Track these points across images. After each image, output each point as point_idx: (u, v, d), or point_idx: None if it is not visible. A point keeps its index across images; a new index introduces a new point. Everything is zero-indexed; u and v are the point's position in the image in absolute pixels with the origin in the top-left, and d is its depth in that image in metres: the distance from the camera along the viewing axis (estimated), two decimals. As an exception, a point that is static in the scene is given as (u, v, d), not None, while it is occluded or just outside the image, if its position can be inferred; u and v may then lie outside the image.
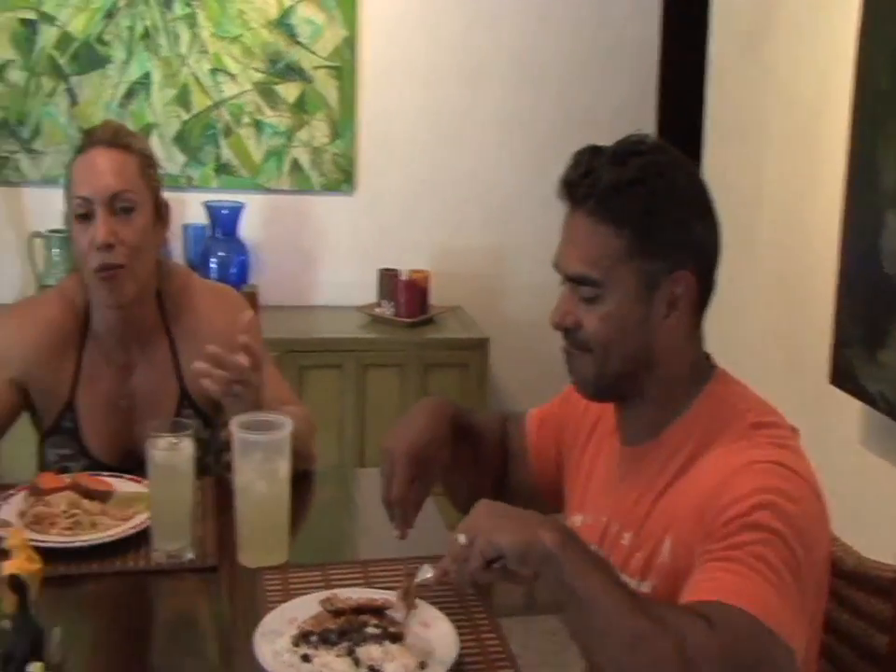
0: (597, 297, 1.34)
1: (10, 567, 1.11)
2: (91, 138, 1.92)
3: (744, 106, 2.92)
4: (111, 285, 1.89)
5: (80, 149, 1.93)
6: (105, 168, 1.88)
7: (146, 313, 1.99)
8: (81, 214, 1.88)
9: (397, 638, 1.38)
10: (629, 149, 1.36)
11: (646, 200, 1.32)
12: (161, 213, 1.97)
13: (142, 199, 1.91)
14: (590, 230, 1.34)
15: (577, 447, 1.55)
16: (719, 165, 2.97)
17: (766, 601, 1.18)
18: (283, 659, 1.34)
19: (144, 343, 2.01)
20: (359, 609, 1.43)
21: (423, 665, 1.34)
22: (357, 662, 1.32)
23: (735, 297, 2.51)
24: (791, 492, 1.26)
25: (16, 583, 1.10)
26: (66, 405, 1.98)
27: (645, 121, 3.42)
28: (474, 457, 1.64)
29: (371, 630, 1.38)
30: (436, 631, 1.43)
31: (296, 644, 1.37)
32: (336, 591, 1.49)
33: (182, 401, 2.00)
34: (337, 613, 1.41)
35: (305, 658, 1.34)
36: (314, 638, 1.37)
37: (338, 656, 1.34)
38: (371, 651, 1.33)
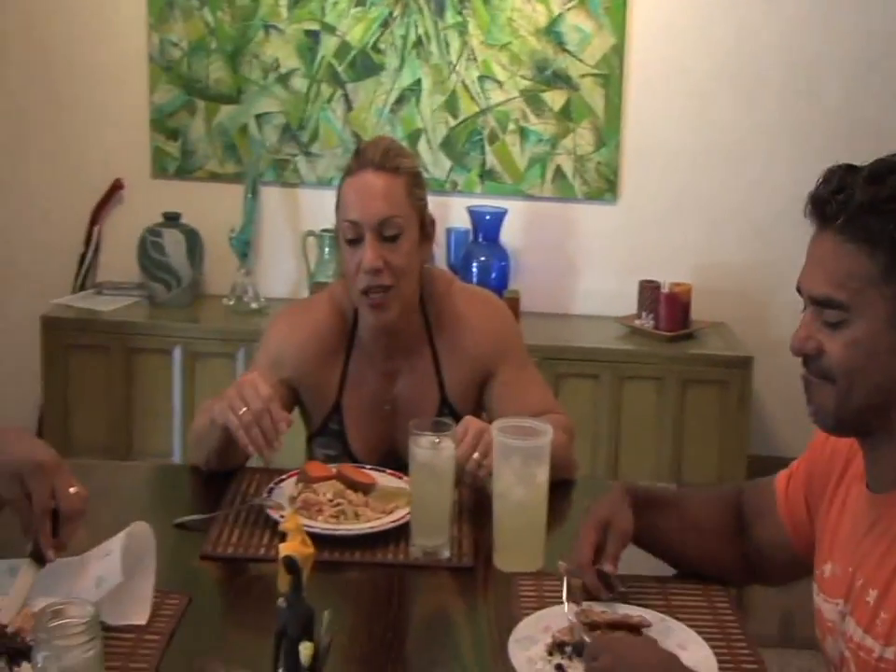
0: (843, 322, 1.27)
1: (287, 548, 1.16)
2: (361, 160, 1.94)
3: None
4: (378, 308, 1.94)
5: (350, 171, 1.96)
6: (374, 193, 1.91)
7: (410, 324, 2.03)
8: (350, 238, 1.93)
9: None
10: (888, 167, 1.28)
11: None
12: (426, 230, 2.00)
13: (409, 222, 1.94)
14: (839, 250, 1.27)
15: (825, 495, 1.47)
16: None
17: None
18: (536, 667, 1.35)
19: (407, 352, 2.05)
20: (614, 625, 1.41)
21: None
22: None
23: None
24: None
25: (291, 565, 1.15)
26: (333, 407, 2.06)
27: None
28: (692, 525, 1.62)
29: None
30: (693, 655, 1.39)
31: (550, 653, 1.38)
32: (591, 603, 1.48)
33: (442, 408, 2.04)
34: (592, 626, 1.40)
35: (559, 668, 1.35)
36: (568, 649, 1.37)
37: None
38: None
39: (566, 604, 1.46)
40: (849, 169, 1.29)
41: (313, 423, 2.11)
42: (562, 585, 1.49)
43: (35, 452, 1.47)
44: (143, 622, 1.46)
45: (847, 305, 1.26)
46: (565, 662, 1.36)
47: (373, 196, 1.91)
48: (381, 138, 2.07)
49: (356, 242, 1.93)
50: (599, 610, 1.46)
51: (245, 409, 1.76)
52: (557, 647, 1.38)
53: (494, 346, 2.04)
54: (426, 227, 2.00)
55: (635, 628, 1.42)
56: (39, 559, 1.45)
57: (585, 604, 1.48)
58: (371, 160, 1.93)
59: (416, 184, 1.97)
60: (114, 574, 1.46)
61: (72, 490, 1.46)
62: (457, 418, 2.02)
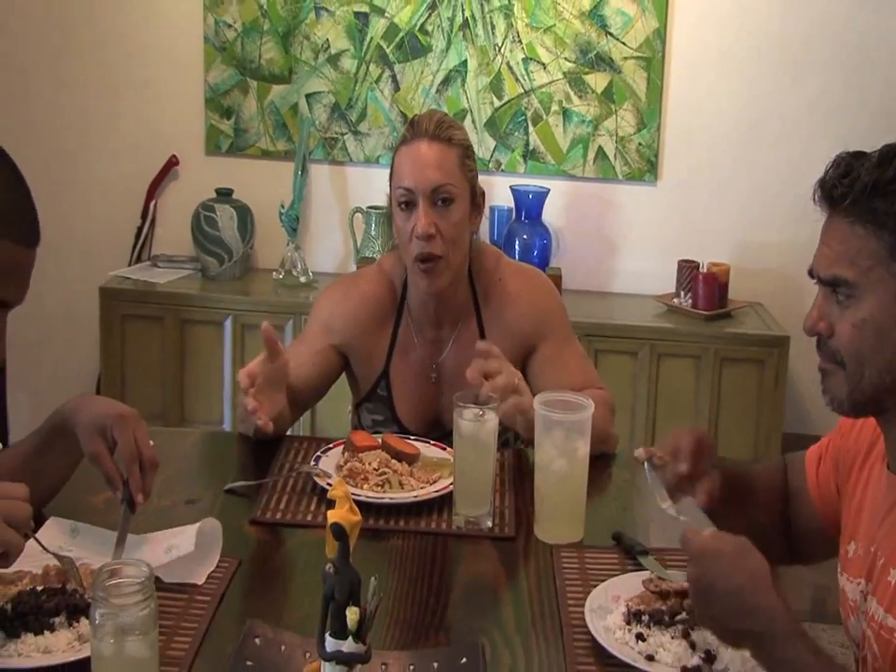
0: (851, 300, 1.25)
1: (334, 515, 1.14)
2: (416, 130, 1.95)
3: None
4: (429, 275, 1.94)
5: (405, 140, 1.96)
6: (428, 161, 1.92)
7: (457, 294, 2.03)
8: (404, 202, 1.93)
9: None
10: (895, 150, 1.25)
11: None
12: (476, 201, 2.00)
13: (460, 190, 1.94)
14: (846, 231, 1.26)
15: (851, 474, 1.45)
16: None
17: None
18: (616, 636, 1.33)
19: (454, 321, 2.05)
20: (683, 594, 1.38)
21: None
22: (692, 645, 1.29)
23: None
24: None
25: (338, 532, 1.14)
26: (381, 374, 2.06)
27: None
28: (754, 501, 1.59)
29: None
30: None
31: (627, 622, 1.35)
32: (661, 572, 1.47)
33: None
34: (662, 595, 1.38)
35: (640, 637, 1.32)
36: (645, 618, 1.35)
37: (673, 638, 1.31)
38: (706, 636, 1.29)
39: (656, 495, 1.50)
40: (856, 155, 1.28)
41: (361, 389, 2.10)
42: (647, 475, 1.53)
43: (116, 406, 1.56)
44: (200, 581, 1.46)
45: (856, 283, 1.25)
46: (644, 630, 1.33)
47: (427, 164, 1.91)
48: (433, 111, 2.07)
49: (409, 207, 1.93)
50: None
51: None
52: (634, 616, 1.36)
53: (537, 322, 2.03)
54: (476, 198, 2.00)
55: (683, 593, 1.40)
56: (130, 504, 1.49)
57: (649, 573, 1.47)
58: (426, 130, 1.93)
59: (468, 156, 1.98)
60: (187, 545, 1.48)
61: (150, 443, 1.52)
62: None
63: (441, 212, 1.92)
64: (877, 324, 1.25)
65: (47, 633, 1.28)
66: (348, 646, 1.09)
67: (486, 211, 3.23)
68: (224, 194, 3.37)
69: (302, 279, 3.34)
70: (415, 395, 2.05)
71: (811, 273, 1.32)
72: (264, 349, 1.75)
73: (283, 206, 3.34)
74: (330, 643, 1.10)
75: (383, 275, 2.08)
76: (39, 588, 1.35)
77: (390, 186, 1.99)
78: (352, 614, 1.10)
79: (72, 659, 1.25)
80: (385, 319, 2.05)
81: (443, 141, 1.93)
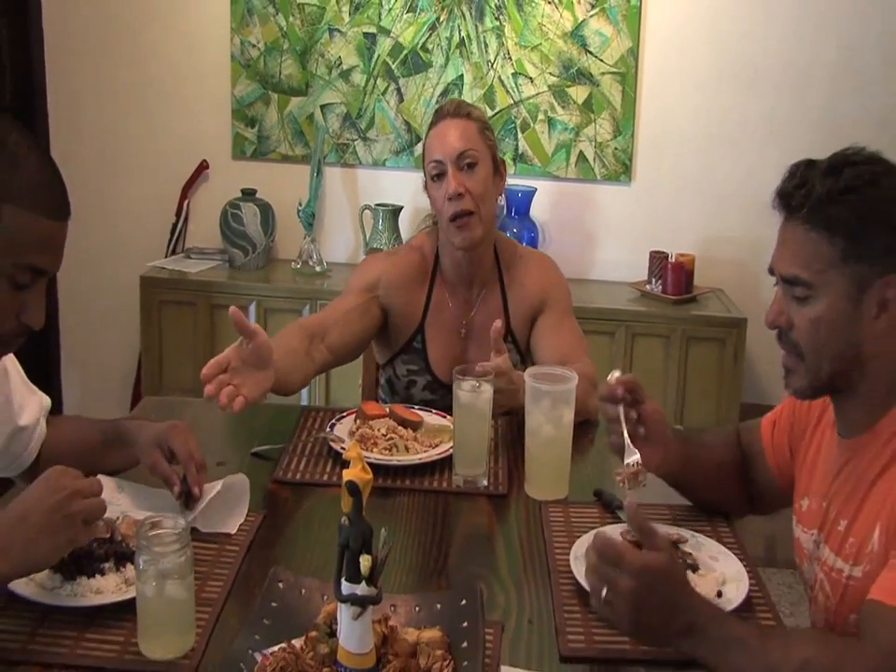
0: (808, 298, 1.24)
1: (349, 474, 1.13)
2: (440, 114, 2.00)
3: None
4: (464, 230, 1.95)
5: (432, 124, 2.01)
6: (451, 133, 1.95)
7: (485, 257, 2.05)
8: (435, 174, 1.96)
9: (695, 569, 1.36)
10: (843, 160, 1.25)
11: (857, 207, 1.21)
12: (498, 167, 2.02)
13: (482, 155, 1.97)
14: (803, 236, 1.24)
15: (804, 438, 1.44)
16: None
17: None
18: (587, 561, 1.32)
19: (482, 284, 2.07)
20: None
21: (720, 594, 1.31)
22: None
23: None
24: None
25: (352, 488, 1.13)
26: (417, 329, 2.07)
27: None
28: (713, 465, 1.57)
29: None
30: (723, 565, 1.39)
31: None
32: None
33: (507, 337, 2.02)
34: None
35: None
36: None
37: None
38: None
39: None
40: (809, 164, 1.27)
41: (398, 342, 2.09)
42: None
43: (170, 421, 1.55)
44: (232, 531, 1.46)
45: (812, 283, 1.24)
46: None
47: (451, 136, 1.95)
48: (453, 98, 2.11)
49: (440, 178, 1.95)
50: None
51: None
52: None
53: (546, 291, 2.07)
54: (497, 164, 2.02)
55: (673, 544, 1.40)
56: (188, 497, 1.48)
57: (623, 525, 1.46)
58: (448, 110, 1.99)
59: (486, 128, 2.01)
60: (213, 489, 1.48)
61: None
62: (517, 346, 2.07)
63: (467, 174, 1.94)
64: (831, 321, 1.24)
65: (98, 576, 1.28)
66: (362, 589, 1.09)
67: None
68: (248, 194, 3.35)
69: (318, 268, 3.32)
70: (447, 347, 2.06)
71: (771, 271, 1.30)
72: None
73: (300, 204, 3.32)
74: (346, 587, 1.09)
75: (415, 249, 2.10)
76: (91, 538, 1.35)
77: (423, 168, 2.01)
78: (365, 561, 1.09)
79: (120, 599, 1.26)
80: (421, 282, 2.07)
81: (463, 116, 1.97)
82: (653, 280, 3.23)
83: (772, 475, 1.53)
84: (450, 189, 1.92)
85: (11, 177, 1.20)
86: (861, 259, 1.21)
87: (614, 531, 1.45)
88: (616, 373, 1.51)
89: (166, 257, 3.43)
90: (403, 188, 3.28)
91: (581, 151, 3.34)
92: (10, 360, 1.52)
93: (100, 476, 1.54)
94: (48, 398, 1.61)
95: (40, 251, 1.23)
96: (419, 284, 2.07)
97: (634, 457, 1.46)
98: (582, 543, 1.42)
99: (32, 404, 1.56)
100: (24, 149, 1.22)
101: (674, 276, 3.16)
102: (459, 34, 3.30)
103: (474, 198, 1.94)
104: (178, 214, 3.46)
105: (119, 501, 1.50)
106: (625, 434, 1.47)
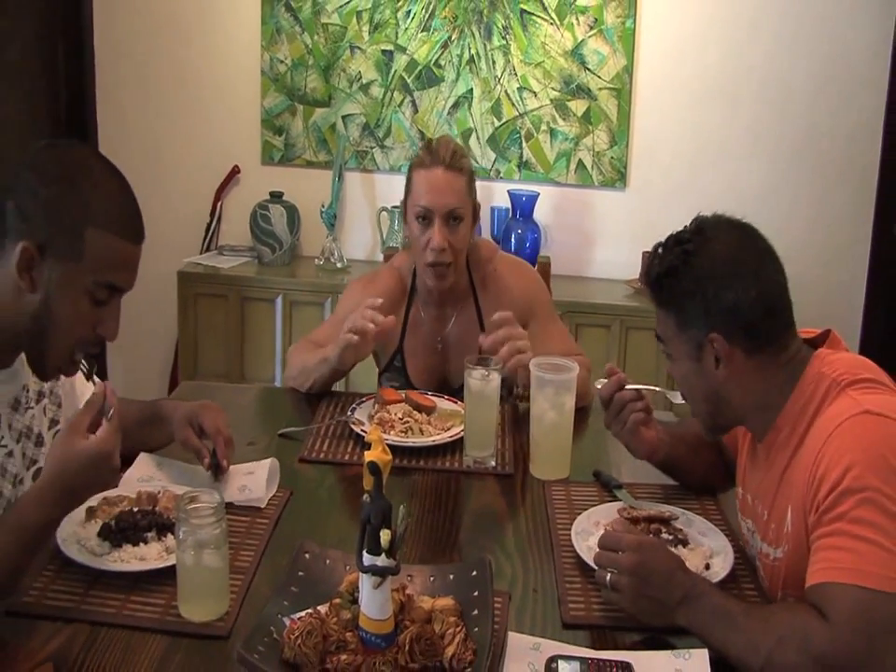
0: (670, 357, 1.34)
1: (370, 455, 1.12)
2: (434, 157, 1.88)
3: None
4: (439, 278, 1.92)
5: (424, 164, 1.89)
6: (444, 187, 1.87)
7: (458, 282, 1.99)
8: (421, 217, 1.89)
9: (685, 544, 1.35)
10: (672, 240, 1.31)
11: (672, 288, 1.29)
12: (475, 215, 1.97)
13: (467, 211, 1.91)
14: (658, 312, 1.33)
15: (738, 437, 1.45)
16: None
17: (875, 565, 1.06)
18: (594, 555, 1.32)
19: (455, 302, 2.02)
20: (650, 519, 1.38)
21: (707, 567, 1.30)
22: None
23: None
24: (881, 440, 1.13)
25: (373, 468, 1.12)
26: (397, 349, 2.03)
27: (873, 146, 3.15)
28: (694, 446, 1.57)
29: (665, 536, 1.35)
30: (712, 540, 1.38)
31: None
32: (630, 503, 1.47)
33: (481, 350, 1.99)
34: (634, 521, 1.37)
35: None
36: None
37: None
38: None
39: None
40: (657, 249, 1.33)
41: (380, 362, 2.08)
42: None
43: (201, 402, 1.57)
44: (262, 504, 1.45)
45: (668, 345, 1.33)
46: None
47: (444, 191, 1.87)
48: (447, 139, 1.96)
49: (425, 222, 1.89)
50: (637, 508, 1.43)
51: (361, 320, 1.77)
52: None
53: (525, 303, 2.00)
54: (475, 212, 1.97)
55: (665, 521, 1.39)
56: (216, 469, 1.49)
57: (621, 504, 1.46)
58: (443, 159, 1.88)
59: (472, 180, 1.95)
60: (258, 489, 1.47)
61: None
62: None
63: (452, 228, 1.89)
64: (687, 377, 1.32)
65: (141, 544, 1.29)
66: (381, 561, 1.08)
67: (488, 210, 3.24)
68: (276, 196, 3.33)
69: (339, 265, 3.31)
70: (425, 362, 2.02)
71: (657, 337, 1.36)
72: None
73: (323, 206, 3.30)
74: (367, 558, 1.08)
75: (395, 271, 2.05)
76: (135, 509, 1.35)
77: (406, 195, 1.94)
78: (385, 535, 1.08)
79: (161, 566, 1.26)
80: (398, 306, 2.01)
81: (456, 170, 1.88)
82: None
83: (732, 453, 1.53)
84: (434, 243, 1.86)
85: (94, 202, 1.20)
86: (690, 325, 1.28)
87: (611, 508, 1.45)
88: (600, 382, 1.55)
89: (201, 253, 3.42)
90: (417, 192, 3.27)
91: (580, 159, 3.31)
92: None
93: (142, 454, 1.55)
94: None
95: (119, 271, 1.23)
96: (397, 308, 2.00)
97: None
98: (582, 520, 1.41)
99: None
100: (106, 177, 1.23)
101: (664, 275, 3.14)
102: (469, 51, 3.28)
103: (454, 251, 1.89)
104: (212, 214, 3.45)
105: (160, 477, 1.49)
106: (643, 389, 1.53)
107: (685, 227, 1.33)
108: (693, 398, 1.34)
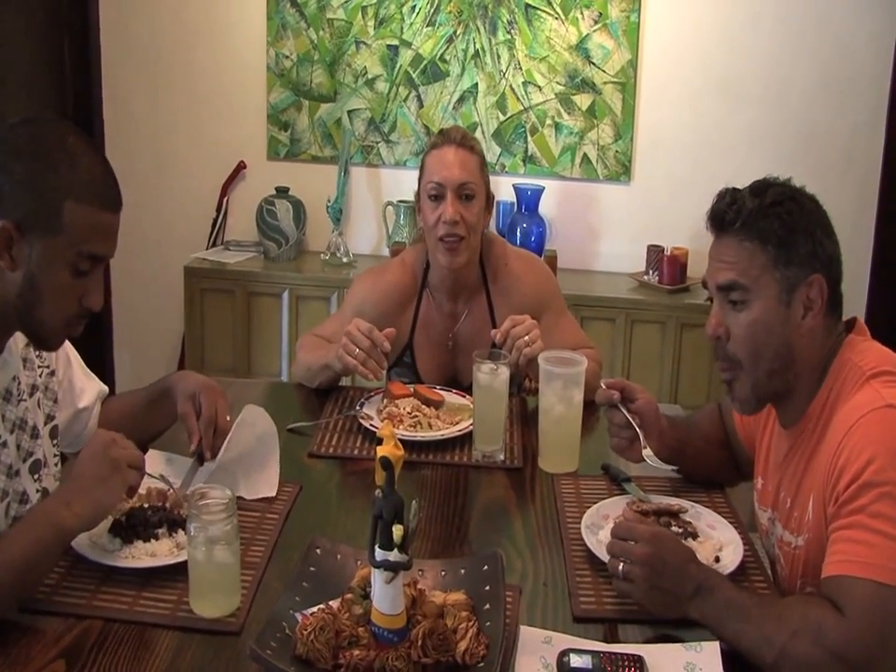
0: (745, 302, 1.25)
1: (383, 450, 1.12)
2: (445, 138, 1.91)
3: None
4: (452, 252, 1.89)
5: (436, 145, 1.92)
6: (455, 162, 1.88)
7: (471, 274, 1.98)
8: (434, 195, 1.89)
9: (695, 536, 1.33)
10: (764, 184, 1.28)
11: (783, 219, 1.24)
12: (489, 202, 1.96)
13: (479, 189, 1.91)
14: (738, 247, 1.25)
15: (759, 426, 1.44)
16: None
17: (892, 560, 1.06)
18: (606, 547, 1.30)
19: (468, 297, 2.00)
20: (660, 512, 1.36)
21: (717, 559, 1.29)
22: None
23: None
24: None
25: (385, 463, 1.11)
26: (406, 345, 2.01)
27: (875, 143, 3.13)
28: (701, 441, 1.56)
29: (674, 529, 1.34)
30: (721, 533, 1.37)
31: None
32: (640, 495, 1.46)
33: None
34: (643, 514, 1.35)
35: None
36: None
37: None
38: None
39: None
40: (735, 189, 1.29)
41: (391, 357, 2.04)
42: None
43: (208, 381, 1.55)
44: (273, 493, 1.44)
45: (749, 287, 1.24)
46: None
47: (456, 165, 1.88)
48: (457, 126, 2.01)
49: (437, 199, 1.89)
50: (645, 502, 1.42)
51: (357, 350, 1.74)
52: None
53: (537, 298, 1.99)
54: (489, 199, 1.96)
55: (675, 514, 1.38)
56: (200, 458, 1.48)
57: (628, 497, 1.45)
58: (455, 138, 1.90)
59: (484, 164, 1.94)
60: (270, 487, 1.47)
61: (227, 418, 1.51)
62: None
63: (464, 204, 1.88)
64: (766, 323, 1.24)
65: (153, 540, 1.28)
66: (394, 556, 1.07)
67: (493, 205, 3.21)
68: (282, 191, 3.32)
69: (345, 259, 3.29)
70: (435, 359, 2.01)
71: (705, 285, 1.31)
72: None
73: (329, 201, 3.29)
74: (379, 553, 1.07)
75: (406, 266, 2.02)
76: (146, 505, 1.34)
77: (419, 182, 1.93)
78: (397, 530, 1.07)
79: (172, 562, 1.25)
80: (408, 301, 2.00)
81: (468, 148, 1.90)
82: (650, 271, 3.19)
83: (746, 447, 1.52)
84: (447, 215, 1.85)
85: (70, 176, 1.19)
86: (789, 263, 1.23)
87: (621, 501, 1.44)
88: (604, 381, 1.51)
89: (207, 249, 3.40)
90: (422, 186, 3.25)
91: (584, 153, 3.29)
92: (70, 349, 1.51)
93: (150, 450, 1.54)
94: (105, 386, 1.61)
95: (98, 240, 1.22)
96: (406, 303, 1.99)
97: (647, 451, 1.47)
98: (591, 513, 1.40)
99: (90, 388, 1.56)
100: (81, 149, 1.21)
101: (669, 268, 3.13)
102: (474, 46, 3.25)
103: (467, 226, 1.87)
104: (218, 209, 3.43)
105: (169, 473, 1.48)
106: (638, 429, 1.47)
107: (764, 178, 1.30)
108: (757, 351, 1.25)
